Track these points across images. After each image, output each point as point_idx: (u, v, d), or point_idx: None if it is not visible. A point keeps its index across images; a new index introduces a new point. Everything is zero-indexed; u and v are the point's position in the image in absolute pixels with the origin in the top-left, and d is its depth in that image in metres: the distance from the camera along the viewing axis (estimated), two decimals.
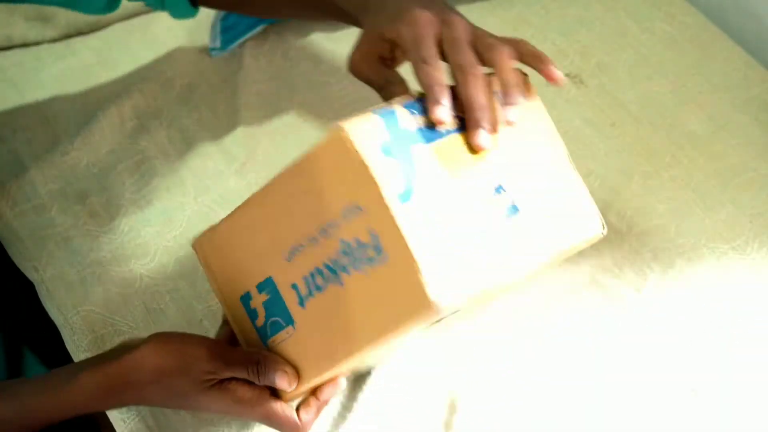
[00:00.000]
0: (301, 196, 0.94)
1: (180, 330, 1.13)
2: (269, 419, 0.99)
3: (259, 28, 1.37)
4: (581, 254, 1.16)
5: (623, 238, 1.18)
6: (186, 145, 1.30)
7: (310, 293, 0.96)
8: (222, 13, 1.36)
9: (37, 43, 1.41)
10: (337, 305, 0.94)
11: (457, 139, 0.93)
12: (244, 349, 1.01)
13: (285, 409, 0.99)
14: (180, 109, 1.33)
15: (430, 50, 0.94)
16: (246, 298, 1.00)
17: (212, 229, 1.01)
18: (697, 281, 1.15)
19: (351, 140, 0.89)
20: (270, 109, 1.33)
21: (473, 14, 1.37)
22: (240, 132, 1.30)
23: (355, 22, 1.05)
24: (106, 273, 1.18)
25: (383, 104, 0.93)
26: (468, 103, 0.92)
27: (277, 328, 0.99)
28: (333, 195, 0.92)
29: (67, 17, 1.40)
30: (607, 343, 1.10)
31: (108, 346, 1.12)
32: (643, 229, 1.19)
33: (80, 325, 1.14)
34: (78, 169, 1.28)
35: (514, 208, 0.93)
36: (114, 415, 1.07)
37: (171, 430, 1.06)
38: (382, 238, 0.90)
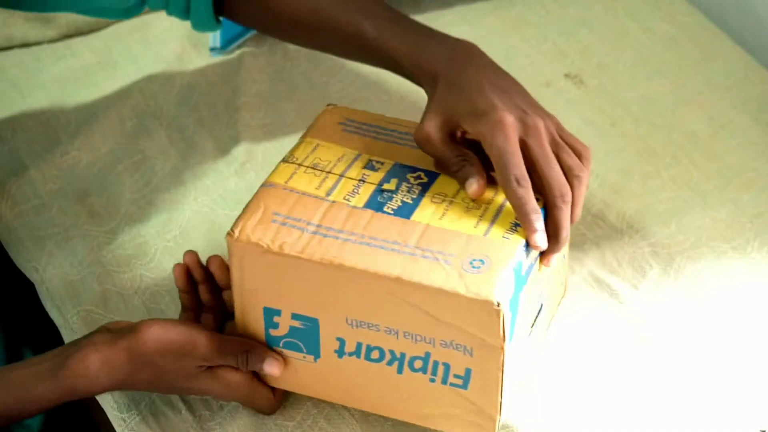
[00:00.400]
0: (404, 303, 0.94)
1: None
2: (251, 398, 1.02)
3: None
4: (582, 250, 1.17)
5: (623, 236, 1.18)
6: (186, 145, 1.30)
7: (356, 354, 0.98)
8: None
9: (37, 43, 1.41)
10: (382, 378, 0.98)
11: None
12: (233, 331, 1.03)
13: (266, 389, 1.03)
14: (180, 109, 1.33)
15: (522, 169, 0.96)
16: (273, 312, 0.99)
17: (266, 251, 0.96)
18: (697, 280, 1.15)
19: (499, 314, 0.91)
20: (270, 109, 1.33)
21: (473, 14, 1.38)
22: (240, 132, 1.30)
23: (415, 82, 1.05)
24: (106, 273, 1.18)
25: (513, 247, 0.95)
26: (555, 229, 0.97)
27: (296, 349, 1.00)
28: (444, 327, 0.94)
29: (67, 17, 1.40)
30: (605, 339, 1.10)
31: None
32: (643, 228, 1.19)
33: (80, 325, 1.14)
34: (78, 169, 1.28)
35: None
36: (114, 415, 1.07)
37: (172, 429, 1.06)
38: (475, 378, 0.95)
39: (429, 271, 0.93)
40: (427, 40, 1.04)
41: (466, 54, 1.02)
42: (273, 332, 1.00)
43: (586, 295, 1.13)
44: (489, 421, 0.98)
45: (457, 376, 0.97)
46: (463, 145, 1.01)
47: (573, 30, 1.39)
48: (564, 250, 1.03)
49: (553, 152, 0.98)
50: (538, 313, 1.03)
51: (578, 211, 0.99)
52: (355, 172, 1.01)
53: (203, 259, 1.05)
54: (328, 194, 0.99)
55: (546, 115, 1.00)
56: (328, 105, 1.07)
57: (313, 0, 1.10)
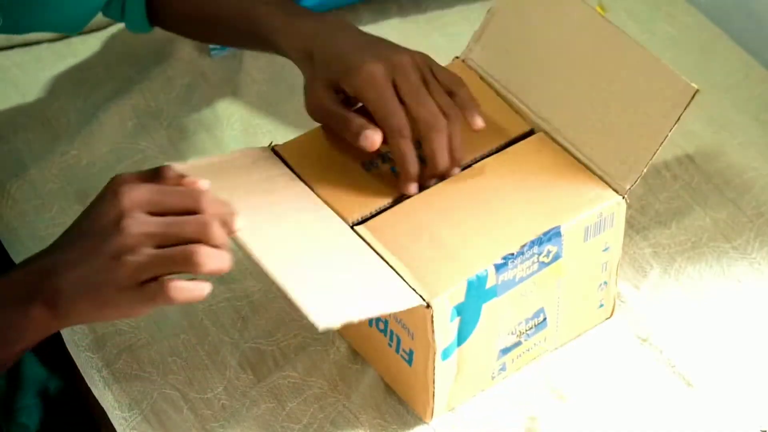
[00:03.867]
0: None
1: (181, 330, 1.13)
2: None
3: None
4: None
5: (623, 236, 1.18)
6: (186, 145, 1.30)
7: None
8: None
9: (37, 43, 1.41)
10: (361, 324, 1.01)
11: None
12: None
13: None
14: (180, 109, 1.33)
15: (399, 117, 1.00)
16: None
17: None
18: (697, 280, 1.15)
19: (427, 315, 0.96)
20: (270, 109, 1.33)
21: (473, 14, 1.39)
22: (240, 132, 1.30)
23: (296, 63, 1.09)
24: None
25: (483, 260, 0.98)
26: (432, 159, 1.01)
27: None
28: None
29: None
30: (606, 339, 1.11)
31: (108, 346, 1.12)
32: (644, 227, 1.19)
33: (80, 325, 1.14)
34: (78, 168, 1.28)
35: None
36: (115, 414, 1.07)
37: (174, 429, 1.06)
38: (416, 360, 1.01)
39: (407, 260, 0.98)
40: (299, 20, 1.08)
41: (335, 26, 1.06)
42: None
43: None
44: (426, 405, 1.04)
45: (404, 351, 1.02)
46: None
47: None
48: (608, 276, 1.07)
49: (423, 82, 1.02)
50: (537, 325, 1.05)
51: (456, 144, 1.02)
52: None
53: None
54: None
55: (414, 53, 1.03)
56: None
57: None
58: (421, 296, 0.95)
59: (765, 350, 1.10)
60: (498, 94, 1.10)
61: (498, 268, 0.97)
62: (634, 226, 1.19)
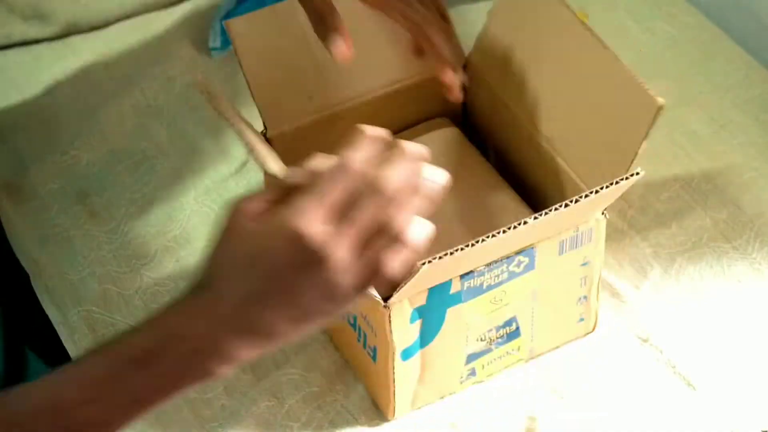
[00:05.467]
0: None
1: None
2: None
3: None
4: None
5: (624, 236, 1.18)
6: (186, 145, 1.30)
7: None
8: (222, 12, 1.36)
9: (36, 41, 1.41)
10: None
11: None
12: None
13: None
14: (180, 109, 1.33)
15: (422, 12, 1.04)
16: None
17: None
18: (698, 280, 1.15)
19: (385, 314, 0.96)
20: None
21: (473, 14, 1.38)
22: None
23: None
24: (106, 273, 1.18)
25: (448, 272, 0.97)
26: (438, 51, 1.05)
27: None
28: (367, 304, 0.98)
29: (66, 15, 1.40)
30: (606, 339, 1.11)
31: None
32: (644, 227, 1.19)
33: (80, 325, 1.14)
34: (78, 168, 1.28)
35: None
36: None
37: (174, 429, 1.06)
38: (378, 357, 1.02)
39: None
40: None
41: None
42: None
43: None
44: (388, 402, 1.05)
45: (369, 347, 1.02)
46: None
47: None
48: (588, 290, 1.07)
49: None
50: (509, 334, 1.05)
51: (456, 41, 1.06)
52: None
53: None
54: None
55: None
56: None
57: None
58: (380, 296, 0.96)
59: (765, 350, 1.10)
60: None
61: (463, 275, 0.98)
62: (634, 226, 1.19)
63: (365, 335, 1.02)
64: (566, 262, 1.03)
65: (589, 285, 1.07)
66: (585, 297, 1.07)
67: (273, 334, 0.77)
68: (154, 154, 1.29)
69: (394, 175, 0.75)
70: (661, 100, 0.96)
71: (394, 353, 0.99)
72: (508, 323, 1.04)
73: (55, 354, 1.15)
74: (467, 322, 1.01)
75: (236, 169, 1.27)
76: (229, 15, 1.36)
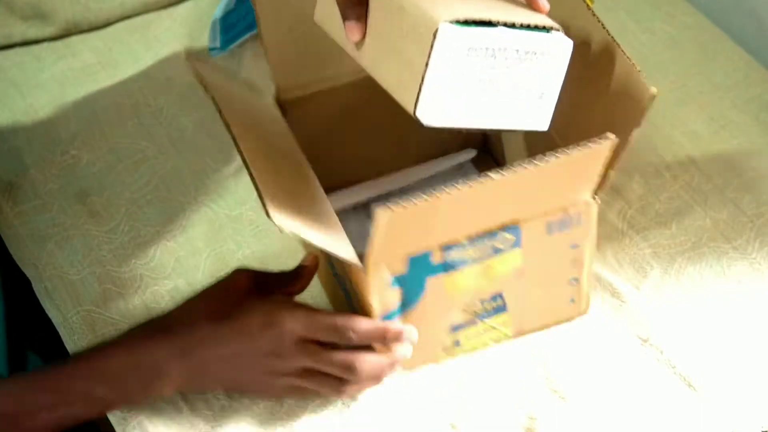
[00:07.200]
0: None
1: None
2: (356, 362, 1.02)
3: None
4: None
5: (624, 236, 1.18)
6: (186, 145, 1.29)
7: None
8: (222, 12, 1.36)
9: (36, 41, 1.41)
10: None
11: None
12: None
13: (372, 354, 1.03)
14: (180, 109, 1.33)
15: None
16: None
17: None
18: (698, 280, 1.15)
19: (369, 278, 0.99)
20: None
21: None
22: None
23: None
24: (106, 273, 1.18)
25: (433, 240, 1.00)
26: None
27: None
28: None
29: (66, 15, 1.40)
30: (607, 339, 1.11)
31: None
32: (644, 227, 1.19)
33: (80, 325, 1.14)
34: (78, 168, 1.28)
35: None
36: (115, 414, 1.07)
37: (174, 429, 1.06)
38: None
39: None
40: None
41: None
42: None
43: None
44: None
45: (354, 309, 1.06)
46: None
47: None
48: (579, 272, 1.08)
49: None
50: (495, 308, 1.07)
51: None
52: None
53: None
54: None
55: None
56: None
57: None
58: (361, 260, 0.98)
59: (765, 350, 1.10)
60: None
61: (444, 247, 0.99)
62: (634, 227, 1.19)
63: (350, 296, 1.05)
64: (555, 243, 1.04)
65: (579, 268, 1.08)
66: (576, 279, 1.08)
67: (214, 386, 1.05)
68: (154, 154, 1.29)
69: (368, 367, 1.01)
70: (653, 90, 0.97)
71: (374, 317, 1.01)
72: (494, 298, 1.06)
73: (55, 354, 1.15)
74: (450, 294, 1.03)
75: (236, 169, 1.27)
76: (229, 15, 1.36)
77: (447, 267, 1.01)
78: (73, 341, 1.13)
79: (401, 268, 1.00)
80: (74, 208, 1.24)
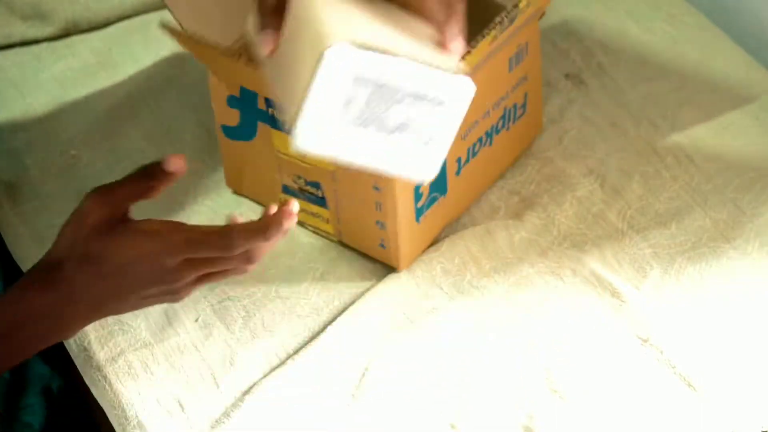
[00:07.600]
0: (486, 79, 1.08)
1: (182, 330, 1.13)
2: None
3: None
4: (583, 250, 1.17)
5: (624, 236, 1.18)
6: (186, 145, 1.30)
7: (467, 161, 1.15)
8: None
9: (36, 41, 1.41)
10: (485, 163, 1.17)
11: None
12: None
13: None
14: (180, 109, 1.33)
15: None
16: None
17: None
18: (698, 280, 1.15)
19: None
20: None
21: None
22: None
23: None
24: None
25: None
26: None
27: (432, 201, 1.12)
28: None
29: (66, 15, 1.40)
30: (607, 339, 1.11)
31: (109, 346, 1.12)
32: (644, 227, 1.19)
33: None
34: (78, 168, 1.28)
35: None
36: (114, 414, 1.07)
37: (174, 429, 1.06)
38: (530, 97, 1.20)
39: None
40: None
41: None
42: (419, 203, 1.11)
43: (588, 294, 1.14)
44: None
45: (520, 106, 1.20)
46: None
47: (573, 30, 1.39)
48: (387, 219, 1.10)
49: None
50: (317, 198, 1.13)
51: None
52: None
53: None
54: None
55: None
56: None
57: None
58: None
59: (765, 350, 1.10)
60: None
61: (269, 100, 1.08)
62: (634, 227, 1.19)
63: None
64: (361, 179, 1.07)
65: (385, 215, 1.09)
66: (382, 224, 1.11)
67: (114, 312, 0.99)
68: (154, 154, 1.29)
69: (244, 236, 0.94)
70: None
71: (219, 126, 1.11)
72: (313, 185, 1.07)
73: (55, 354, 1.15)
74: (275, 149, 1.10)
75: None
76: None
77: (272, 122, 1.05)
78: (74, 341, 1.13)
79: (235, 90, 1.03)
80: (74, 208, 1.24)
